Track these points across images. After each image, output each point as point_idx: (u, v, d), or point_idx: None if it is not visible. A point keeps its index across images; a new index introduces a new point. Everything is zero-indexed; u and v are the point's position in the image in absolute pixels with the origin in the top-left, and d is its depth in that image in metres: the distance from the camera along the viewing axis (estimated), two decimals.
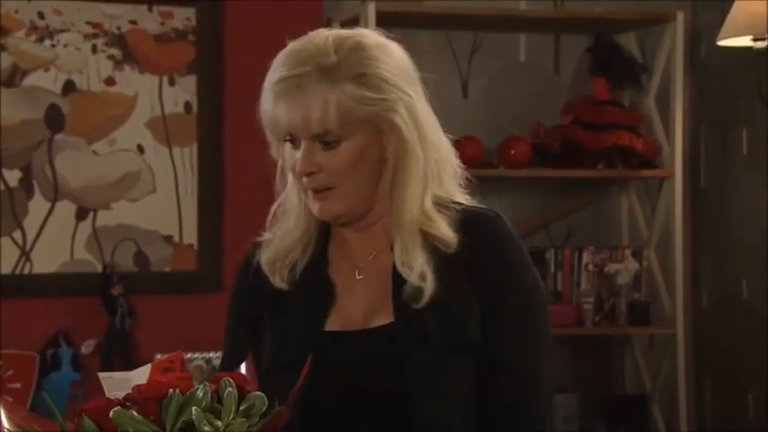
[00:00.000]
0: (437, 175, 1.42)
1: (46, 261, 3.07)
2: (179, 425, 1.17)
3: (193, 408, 1.17)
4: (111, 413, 1.18)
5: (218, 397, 1.20)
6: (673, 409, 3.36)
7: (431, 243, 1.40)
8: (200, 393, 1.18)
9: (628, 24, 3.46)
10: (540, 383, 1.40)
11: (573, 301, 3.35)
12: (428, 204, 1.41)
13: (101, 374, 1.28)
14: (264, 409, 1.21)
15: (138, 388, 1.20)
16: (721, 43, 3.06)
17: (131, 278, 3.09)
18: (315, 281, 1.45)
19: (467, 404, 1.38)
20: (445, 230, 1.40)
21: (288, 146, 1.41)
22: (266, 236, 1.47)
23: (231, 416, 1.18)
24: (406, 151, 1.40)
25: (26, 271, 3.06)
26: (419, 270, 1.39)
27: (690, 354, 3.46)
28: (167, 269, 3.16)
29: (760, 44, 2.98)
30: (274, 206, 1.47)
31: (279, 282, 1.44)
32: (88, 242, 3.10)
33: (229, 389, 1.19)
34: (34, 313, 3.03)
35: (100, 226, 3.11)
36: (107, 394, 1.24)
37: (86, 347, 3.06)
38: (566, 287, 3.36)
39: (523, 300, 1.41)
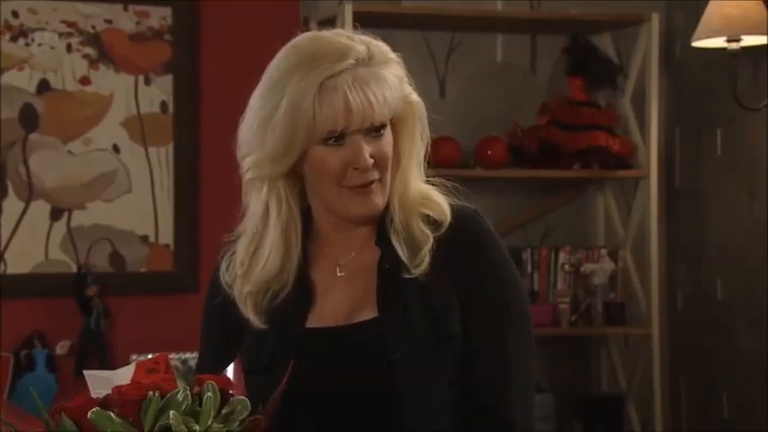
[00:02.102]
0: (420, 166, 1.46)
1: (20, 261, 3.05)
2: (156, 428, 1.16)
3: (171, 412, 1.16)
4: (89, 414, 1.17)
5: (200, 400, 1.19)
6: (648, 409, 3.37)
7: (428, 225, 1.42)
8: (179, 396, 1.17)
9: (603, 25, 3.48)
10: (516, 380, 1.40)
11: (549, 300, 3.36)
12: (423, 186, 1.44)
13: (86, 372, 1.27)
14: (246, 414, 1.20)
15: (118, 389, 1.20)
16: (696, 44, 3.08)
17: (107, 279, 3.07)
18: (294, 282, 1.44)
19: (447, 397, 1.38)
20: (441, 201, 1.42)
21: (324, 149, 1.38)
22: (236, 233, 1.45)
23: (210, 420, 1.17)
24: (414, 134, 1.43)
25: (0, 271, 3.04)
26: (417, 237, 1.40)
27: (665, 353, 3.48)
28: (143, 270, 3.14)
29: (734, 45, 3.00)
30: (239, 228, 1.45)
31: (253, 317, 1.42)
32: (63, 242, 3.08)
33: (209, 393, 1.18)
34: (8, 314, 3.01)
35: (75, 226, 3.09)
36: (91, 392, 1.23)
37: (61, 348, 3.04)
38: (542, 287, 3.38)
39: (501, 296, 1.42)
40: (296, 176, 1.42)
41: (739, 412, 3.31)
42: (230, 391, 1.22)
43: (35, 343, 3.02)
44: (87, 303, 3.03)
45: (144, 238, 3.14)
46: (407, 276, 1.39)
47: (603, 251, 3.42)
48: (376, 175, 1.39)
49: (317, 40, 1.41)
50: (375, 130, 1.39)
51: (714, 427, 3.39)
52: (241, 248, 1.44)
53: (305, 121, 1.37)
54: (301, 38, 1.42)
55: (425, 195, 1.43)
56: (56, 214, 3.08)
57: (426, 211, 1.42)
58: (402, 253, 1.40)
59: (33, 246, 3.06)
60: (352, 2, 3.12)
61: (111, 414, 1.17)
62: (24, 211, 3.06)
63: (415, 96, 1.43)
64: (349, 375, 1.38)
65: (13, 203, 3.05)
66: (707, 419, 3.44)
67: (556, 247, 3.42)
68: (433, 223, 1.42)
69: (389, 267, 1.41)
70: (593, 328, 3.40)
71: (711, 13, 2.99)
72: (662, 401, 3.35)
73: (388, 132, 1.40)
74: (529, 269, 3.37)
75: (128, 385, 1.20)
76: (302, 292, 1.43)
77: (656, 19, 3.38)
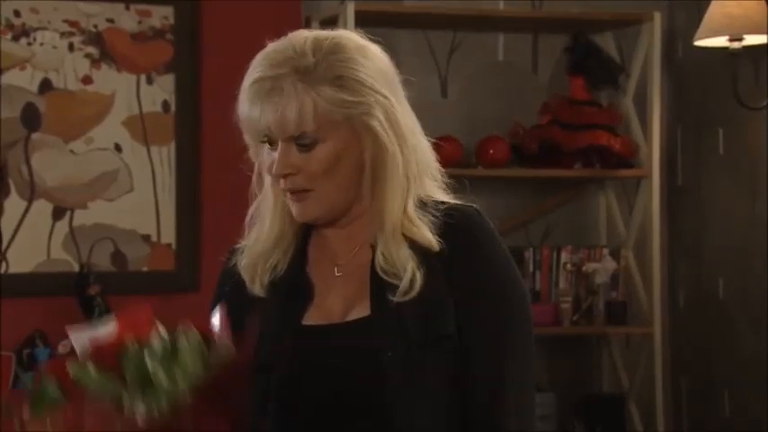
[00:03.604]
0: (419, 177, 1.42)
1: (22, 261, 3.05)
2: (137, 378, 1.15)
3: (147, 358, 1.14)
4: (68, 367, 1.16)
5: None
6: (649, 408, 3.37)
7: (412, 242, 1.40)
8: (155, 344, 1.16)
9: (605, 25, 3.48)
10: (514, 381, 1.39)
11: (551, 300, 3.36)
12: (410, 208, 1.41)
13: (69, 328, 1.25)
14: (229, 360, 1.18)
15: (96, 342, 1.18)
16: (698, 44, 3.07)
17: (109, 278, 3.07)
18: (293, 280, 1.45)
19: (442, 398, 1.38)
20: (428, 236, 1.40)
21: (265, 147, 1.41)
22: (243, 243, 1.47)
23: (190, 366, 1.16)
24: (385, 154, 1.40)
25: (2, 270, 3.04)
26: (401, 268, 1.39)
27: (666, 353, 3.48)
28: (145, 269, 3.15)
29: (736, 45, 3.00)
30: (251, 210, 1.47)
31: (258, 289, 1.44)
32: (65, 242, 3.08)
33: (184, 339, 1.17)
34: (10, 313, 3.01)
35: (77, 225, 3.09)
36: (77, 350, 1.22)
37: (63, 348, 3.04)
38: (544, 286, 3.37)
39: (499, 295, 1.41)
40: None
41: (740, 411, 3.31)
42: (212, 337, 1.21)
43: (37, 342, 3.02)
44: (89, 303, 3.03)
45: (146, 238, 3.14)
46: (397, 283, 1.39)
47: (605, 250, 3.42)
48: (300, 185, 1.40)
49: (277, 42, 1.42)
50: (298, 142, 1.39)
51: (715, 426, 3.39)
52: (248, 222, 1.47)
53: (245, 120, 1.41)
54: (280, 39, 1.43)
55: (409, 219, 1.41)
56: (58, 213, 3.08)
57: (411, 236, 1.41)
58: (386, 275, 1.40)
59: (35, 245, 3.06)
60: (353, 1, 3.12)
61: (90, 367, 1.16)
62: (26, 211, 3.07)
63: (375, 121, 1.38)
64: (341, 374, 1.39)
65: (15, 203, 3.05)
66: (708, 418, 3.44)
67: (557, 246, 3.42)
68: (419, 249, 1.40)
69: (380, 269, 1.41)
70: (595, 328, 3.40)
71: (713, 12, 2.99)
72: (663, 401, 3.35)
73: (321, 148, 1.38)
74: (530, 268, 3.37)
75: (106, 337, 1.19)
76: (300, 289, 1.44)
77: (657, 18, 3.38)
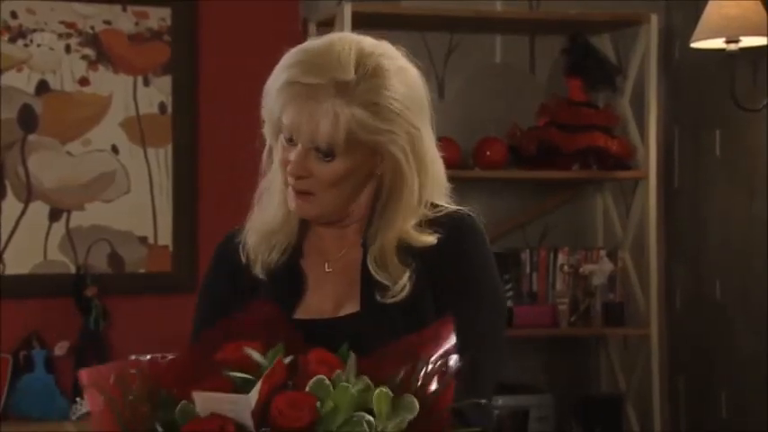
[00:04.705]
0: (430, 198, 1.45)
1: (19, 262, 3.05)
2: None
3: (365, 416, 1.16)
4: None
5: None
6: (647, 409, 3.37)
7: (407, 246, 1.42)
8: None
9: (602, 26, 3.48)
10: (479, 381, 1.39)
11: (548, 301, 3.36)
12: (411, 224, 1.43)
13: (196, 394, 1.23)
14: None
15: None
16: (695, 45, 3.08)
17: (105, 279, 3.07)
18: (287, 272, 1.47)
19: None
20: (422, 239, 1.42)
21: (283, 139, 1.42)
22: (245, 225, 1.49)
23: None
24: (402, 183, 1.42)
25: None
26: (394, 275, 1.41)
27: (664, 354, 3.48)
28: (142, 270, 3.14)
29: (733, 46, 3.00)
30: (259, 189, 1.48)
31: (259, 269, 1.46)
32: (62, 243, 3.08)
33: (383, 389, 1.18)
34: (7, 314, 3.01)
35: (74, 227, 3.09)
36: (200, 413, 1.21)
37: (60, 349, 3.04)
38: (541, 288, 3.37)
39: (477, 297, 1.43)
40: None
41: (738, 412, 3.31)
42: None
43: (34, 344, 3.02)
44: (86, 304, 3.03)
45: (143, 239, 3.14)
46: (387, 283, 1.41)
47: (602, 252, 3.42)
48: (307, 188, 1.41)
49: (317, 42, 1.42)
50: (319, 152, 1.40)
51: (713, 426, 3.39)
52: (257, 200, 1.48)
53: (271, 115, 1.42)
54: (323, 38, 1.43)
55: (409, 232, 1.43)
56: (55, 215, 3.08)
57: (408, 240, 1.43)
58: (379, 278, 1.42)
59: (32, 246, 3.06)
60: (351, 2, 3.12)
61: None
62: (23, 212, 3.06)
63: (399, 152, 1.40)
64: None
65: (11, 204, 3.05)
66: (705, 419, 3.44)
67: (555, 247, 3.42)
68: (414, 252, 1.42)
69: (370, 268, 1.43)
70: (592, 329, 3.40)
71: (710, 13, 2.99)
72: (661, 402, 3.35)
73: (337, 162, 1.40)
74: (528, 270, 3.37)
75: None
76: (293, 283, 1.46)
77: (654, 20, 3.38)
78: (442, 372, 1.23)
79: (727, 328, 3.36)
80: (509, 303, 3.28)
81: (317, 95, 1.37)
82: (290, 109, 1.39)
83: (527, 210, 3.53)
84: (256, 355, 1.23)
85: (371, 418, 1.18)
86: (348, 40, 1.41)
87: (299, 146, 1.40)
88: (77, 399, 2.88)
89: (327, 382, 1.20)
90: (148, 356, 1.23)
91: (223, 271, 1.50)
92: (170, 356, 1.28)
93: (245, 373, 1.21)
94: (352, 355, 1.25)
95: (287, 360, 1.23)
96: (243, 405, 1.18)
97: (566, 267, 3.39)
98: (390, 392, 1.20)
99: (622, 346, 3.57)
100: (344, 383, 1.20)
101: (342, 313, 1.44)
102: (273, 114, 1.41)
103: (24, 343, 3.02)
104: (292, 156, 1.41)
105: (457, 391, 1.34)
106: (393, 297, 1.41)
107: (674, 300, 3.57)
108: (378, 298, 1.41)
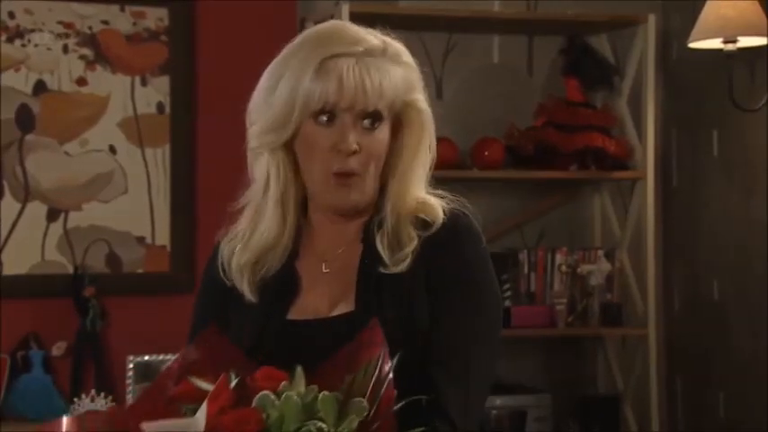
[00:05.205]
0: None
1: (16, 262, 3.05)
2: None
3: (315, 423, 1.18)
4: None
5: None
6: (645, 409, 3.38)
7: (417, 226, 1.43)
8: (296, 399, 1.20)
9: (600, 26, 3.48)
10: (471, 381, 1.39)
11: (546, 301, 3.36)
12: (422, 194, 1.45)
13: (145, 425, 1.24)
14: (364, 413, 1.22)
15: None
16: (692, 45, 3.08)
17: (103, 280, 3.07)
18: (282, 274, 1.46)
19: (412, 388, 1.38)
20: (435, 214, 1.43)
21: (314, 126, 1.41)
22: (231, 237, 1.48)
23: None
24: (423, 144, 1.44)
25: None
26: (402, 239, 1.41)
27: (662, 354, 3.48)
28: (140, 270, 3.14)
29: (730, 46, 3.00)
30: (244, 201, 1.47)
31: (247, 290, 1.45)
32: (59, 243, 3.08)
33: (324, 394, 1.20)
34: (5, 315, 3.00)
35: (71, 227, 3.09)
36: None
37: (57, 349, 3.04)
38: (539, 288, 3.38)
39: (470, 297, 1.42)
40: (294, 155, 1.45)
41: (736, 412, 3.32)
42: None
43: (31, 344, 3.02)
44: (84, 304, 3.03)
45: (140, 239, 3.14)
46: (385, 272, 1.41)
47: (600, 252, 3.42)
48: (356, 167, 1.41)
49: (335, 26, 1.45)
50: (368, 119, 1.40)
51: (711, 427, 3.39)
52: (244, 219, 1.47)
53: (301, 93, 1.40)
54: (326, 22, 1.46)
55: (422, 201, 1.44)
56: (52, 215, 3.08)
57: (420, 215, 1.44)
58: (383, 251, 1.42)
59: (30, 247, 3.06)
60: (348, 2, 3.12)
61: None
62: (21, 213, 3.06)
63: (423, 104, 1.45)
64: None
65: (9, 204, 3.05)
66: (703, 419, 3.44)
67: (552, 248, 3.42)
68: (423, 225, 1.43)
69: (369, 262, 1.43)
70: (590, 329, 3.40)
71: (708, 14, 2.99)
72: (658, 402, 3.36)
73: (382, 130, 1.41)
74: (525, 270, 3.37)
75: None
76: (287, 284, 1.46)
77: (652, 20, 3.38)
78: (381, 373, 1.24)
79: (725, 328, 3.36)
80: (507, 304, 3.29)
81: (363, 60, 1.40)
82: (335, 81, 1.39)
83: (525, 210, 3.53)
84: (203, 384, 1.24)
85: (323, 425, 1.19)
86: (344, 23, 1.46)
87: (346, 119, 1.39)
88: (75, 399, 2.88)
89: (273, 396, 1.22)
90: (107, 406, 1.25)
91: (211, 285, 1.50)
92: (127, 403, 1.30)
93: (199, 403, 1.22)
94: (299, 368, 1.26)
95: (234, 381, 1.24)
96: (192, 428, 1.20)
97: (563, 267, 3.39)
98: (338, 396, 1.22)
99: (620, 346, 3.57)
100: (289, 392, 1.21)
101: (336, 313, 1.43)
102: (307, 92, 1.39)
103: (22, 343, 3.02)
104: (334, 136, 1.39)
105: (451, 392, 1.34)
106: (395, 265, 1.40)
107: (672, 300, 3.58)
108: (373, 295, 1.40)
